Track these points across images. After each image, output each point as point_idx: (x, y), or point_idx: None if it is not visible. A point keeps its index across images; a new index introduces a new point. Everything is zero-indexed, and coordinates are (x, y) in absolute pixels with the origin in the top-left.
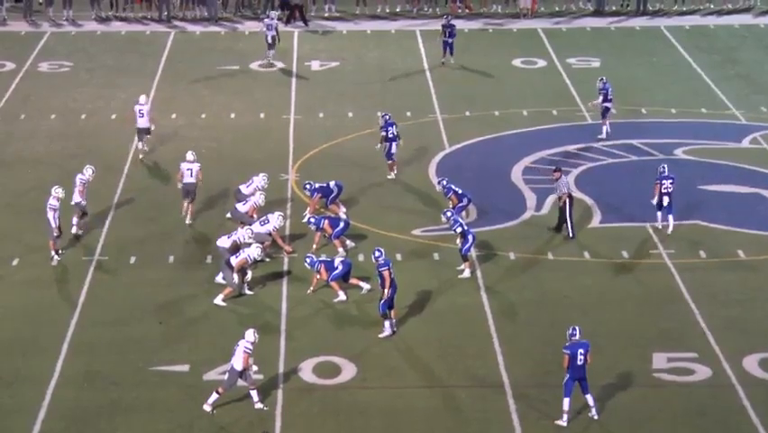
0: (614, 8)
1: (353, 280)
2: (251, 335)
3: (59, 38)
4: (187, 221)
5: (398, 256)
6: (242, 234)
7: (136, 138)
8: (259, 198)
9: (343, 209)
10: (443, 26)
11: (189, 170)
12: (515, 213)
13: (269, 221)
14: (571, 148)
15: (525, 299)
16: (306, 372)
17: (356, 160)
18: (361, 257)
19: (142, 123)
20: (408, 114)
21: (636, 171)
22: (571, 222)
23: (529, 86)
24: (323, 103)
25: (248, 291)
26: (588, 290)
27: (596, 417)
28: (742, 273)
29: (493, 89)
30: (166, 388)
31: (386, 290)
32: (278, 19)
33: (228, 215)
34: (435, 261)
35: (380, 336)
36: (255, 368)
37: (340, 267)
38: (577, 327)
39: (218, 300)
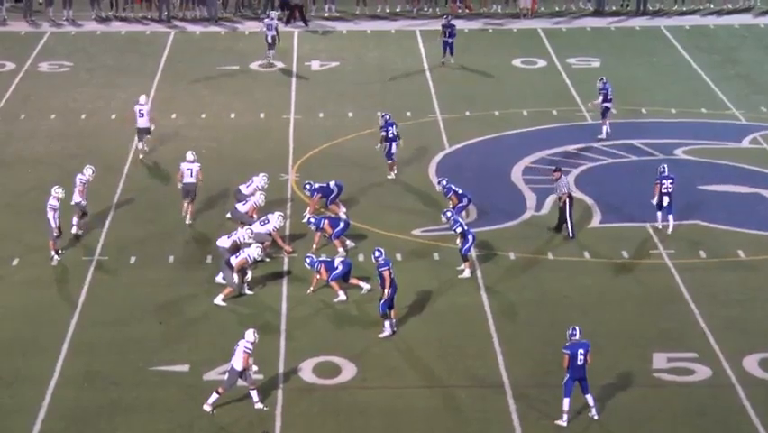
0: (614, 8)
1: (353, 281)
2: (251, 335)
3: (59, 38)
4: (187, 221)
5: (398, 256)
6: (242, 234)
7: (136, 138)
8: (259, 198)
9: (343, 209)
10: (444, 26)
11: (189, 170)
12: (515, 213)
13: (269, 221)
14: (571, 148)
15: (525, 299)
16: (306, 372)
17: (356, 160)
18: (361, 257)
19: (142, 123)
20: (408, 114)
21: (636, 171)
22: (572, 222)
23: (529, 86)
24: (323, 103)
25: (248, 291)
26: (588, 290)
27: (596, 417)
28: (742, 273)
29: (493, 89)
30: (166, 388)
31: (386, 290)
32: (278, 19)
33: (228, 215)
34: (435, 261)
35: (380, 336)
36: (255, 368)
37: (340, 267)
38: (577, 327)
39: (218, 300)
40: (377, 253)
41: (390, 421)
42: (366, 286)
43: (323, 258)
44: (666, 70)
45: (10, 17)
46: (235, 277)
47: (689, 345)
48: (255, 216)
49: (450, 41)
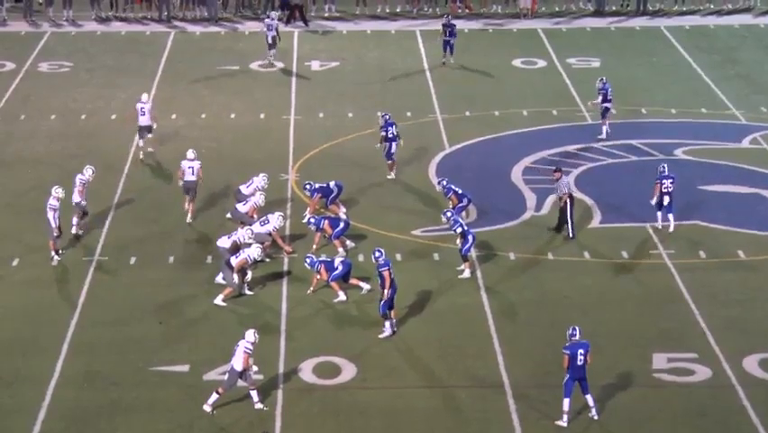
0: (614, 8)
1: (353, 281)
2: (251, 335)
3: (59, 38)
4: (188, 220)
5: (398, 256)
6: (242, 234)
7: (137, 136)
8: (259, 199)
9: (343, 209)
10: (444, 26)
11: (191, 168)
12: (515, 213)
13: (269, 221)
14: (571, 148)
15: (525, 299)
16: (306, 372)
17: (356, 160)
18: (361, 257)
19: (144, 121)
20: (408, 114)
21: (636, 171)
22: (572, 222)
23: (529, 86)
24: (323, 103)
25: (248, 291)
26: (588, 290)
27: (596, 417)
28: (742, 273)
29: (493, 89)
30: (166, 388)
31: (386, 291)
32: (279, 19)
33: (228, 215)
34: (435, 261)
35: (380, 336)
36: (255, 368)
37: (340, 267)
38: (577, 328)
39: (218, 300)
40: (377, 254)
41: (390, 421)
42: (366, 286)
43: (323, 258)
44: (666, 70)
45: (10, 17)
46: (235, 277)
47: (689, 345)
48: (255, 216)
49: (450, 40)
